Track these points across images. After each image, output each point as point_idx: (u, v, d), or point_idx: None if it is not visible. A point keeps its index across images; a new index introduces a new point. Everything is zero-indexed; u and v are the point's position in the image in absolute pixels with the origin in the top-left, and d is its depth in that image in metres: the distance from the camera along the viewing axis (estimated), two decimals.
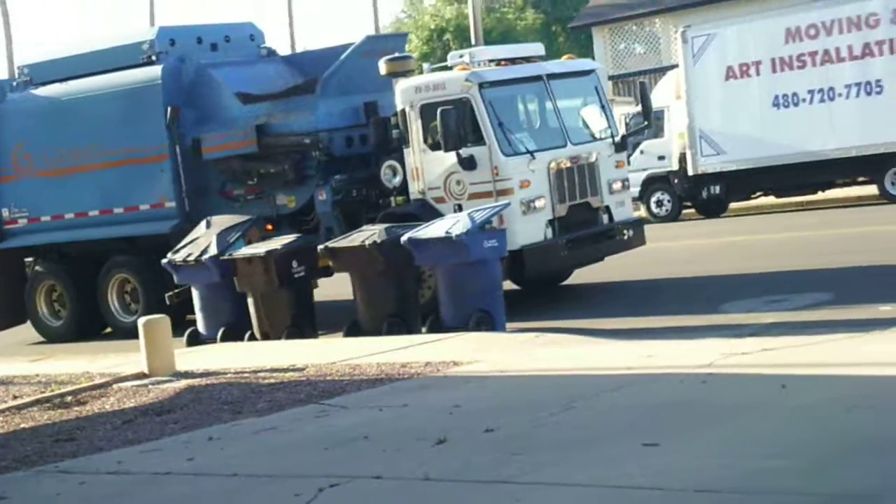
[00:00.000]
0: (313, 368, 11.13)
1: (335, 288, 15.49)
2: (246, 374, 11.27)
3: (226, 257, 14.40)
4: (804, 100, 24.18)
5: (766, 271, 15.71)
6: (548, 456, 6.90)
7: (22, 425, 10.13)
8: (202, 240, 14.90)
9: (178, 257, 14.84)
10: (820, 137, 23.91)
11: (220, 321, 14.53)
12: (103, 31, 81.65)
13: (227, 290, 14.46)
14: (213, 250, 14.48)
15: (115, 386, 11.45)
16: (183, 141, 16.82)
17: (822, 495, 5.52)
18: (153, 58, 17.17)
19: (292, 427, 8.67)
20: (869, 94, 23.45)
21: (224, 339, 14.32)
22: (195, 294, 14.91)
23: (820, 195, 25.82)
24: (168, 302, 15.70)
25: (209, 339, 14.53)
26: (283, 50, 17.64)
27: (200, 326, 14.79)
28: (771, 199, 26.40)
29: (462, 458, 7.07)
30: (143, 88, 16.96)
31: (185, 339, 14.47)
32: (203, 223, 15.36)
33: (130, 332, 14.87)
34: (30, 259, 18.69)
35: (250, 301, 14.31)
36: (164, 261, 15.07)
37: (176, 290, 15.70)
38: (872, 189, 24.66)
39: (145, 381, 11.54)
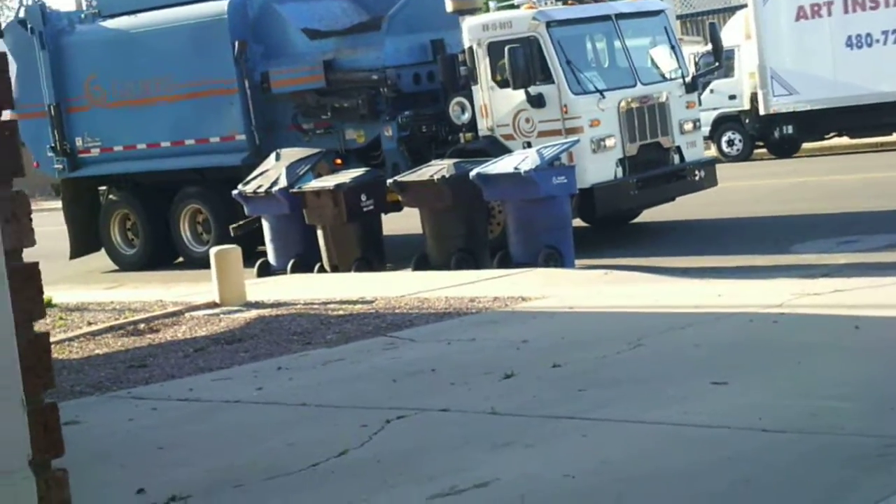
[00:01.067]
0: (382, 301, 11.21)
1: (404, 222, 15.56)
2: (315, 306, 11.38)
3: (295, 190, 14.50)
4: (878, 40, 23.72)
5: (838, 212, 15.52)
6: (614, 392, 6.92)
7: (96, 351, 10.33)
8: (272, 172, 15.02)
9: (249, 189, 14.98)
10: (893, 78, 23.47)
11: (290, 253, 14.68)
12: None
13: (296, 222, 14.59)
14: (282, 182, 14.59)
15: (187, 314, 11.62)
16: (251, 75, 16.91)
17: (882, 437, 5.49)
18: None
19: (360, 358, 8.75)
20: None
21: (294, 270, 14.47)
22: (265, 226, 15.07)
23: (894, 136, 25.39)
24: (232, 233, 15.88)
25: (279, 271, 14.69)
26: None
27: (270, 258, 14.96)
28: (844, 140, 26.02)
29: (528, 393, 7.11)
30: (210, 23, 17.04)
31: (255, 269, 14.64)
32: (273, 156, 15.48)
33: (202, 262, 15.10)
34: (103, 188, 18.94)
35: (320, 234, 14.42)
36: (235, 192, 15.23)
37: (240, 223, 15.87)
38: None
39: (216, 310, 11.69)
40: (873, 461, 5.18)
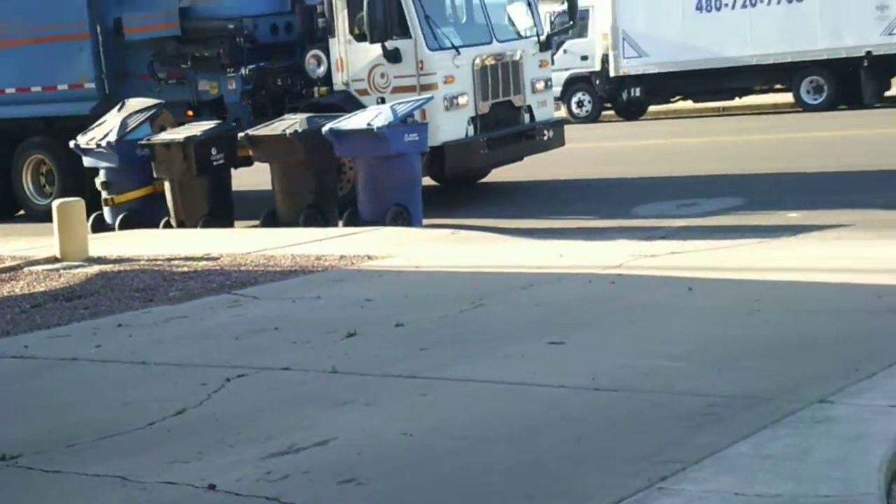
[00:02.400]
0: (228, 258, 11.13)
1: (254, 178, 15.42)
2: (159, 262, 11.23)
3: (143, 141, 14.23)
4: (726, 5, 24.32)
5: (678, 175, 15.93)
6: (455, 351, 7.02)
7: None
8: (109, 122, 14.67)
9: (83, 140, 14.62)
10: (739, 43, 24.11)
11: (122, 208, 14.37)
12: None
13: (131, 175, 14.27)
14: (113, 135, 14.27)
15: (25, 269, 11.36)
16: (104, 20, 16.46)
17: (709, 396, 5.69)
18: None
19: (203, 316, 8.70)
20: (790, 1, 23.62)
21: (124, 226, 14.15)
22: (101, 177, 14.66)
23: (737, 101, 26.09)
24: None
25: (110, 227, 14.38)
26: None
27: (105, 212, 14.61)
28: (689, 104, 26.65)
29: (371, 352, 7.17)
30: None
31: (89, 224, 14.29)
32: (118, 106, 15.13)
33: (44, 216, 14.70)
34: None
35: (167, 188, 14.18)
36: (72, 143, 14.84)
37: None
38: (788, 97, 24.99)
39: (57, 265, 11.45)
40: (699, 420, 5.38)
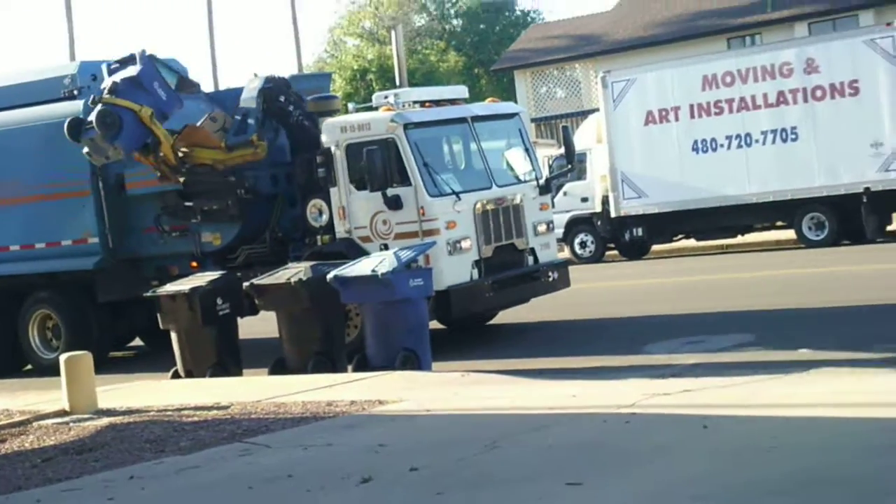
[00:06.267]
0: (238, 406, 11.06)
1: (261, 326, 15.43)
2: (169, 412, 11.17)
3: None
4: (722, 145, 24.68)
5: (686, 313, 15.95)
6: (471, 495, 6.93)
7: None
8: None
9: None
10: (738, 182, 24.41)
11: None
12: (22, 65, 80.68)
13: None
14: None
15: (34, 424, 11.28)
16: (106, 177, 16.71)
17: None
18: (75, 92, 17.07)
19: (215, 466, 8.61)
20: (785, 140, 24.00)
21: None
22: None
23: (740, 239, 26.27)
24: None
25: None
26: (207, 87, 17.58)
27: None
28: (692, 242, 26.81)
29: (386, 497, 7.08)
30: (64, 123, 16.80)
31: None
32: None
33: (51, 370, 14.69)
34: None
35: (174, 338, 14.20)
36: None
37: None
38: (790, 234, 25.15)
39: (66, 418, 11.39)
40: None
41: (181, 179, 16.07)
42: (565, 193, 26.89)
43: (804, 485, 6.38)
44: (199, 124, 16.11)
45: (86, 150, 15.90)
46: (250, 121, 15.94)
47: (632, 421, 8.58)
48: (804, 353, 12.11)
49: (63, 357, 12.15)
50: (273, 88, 16.11)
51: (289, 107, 16.09)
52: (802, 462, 6.91)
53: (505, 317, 16.96)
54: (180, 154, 15.96)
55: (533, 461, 7.67)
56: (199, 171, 16.04)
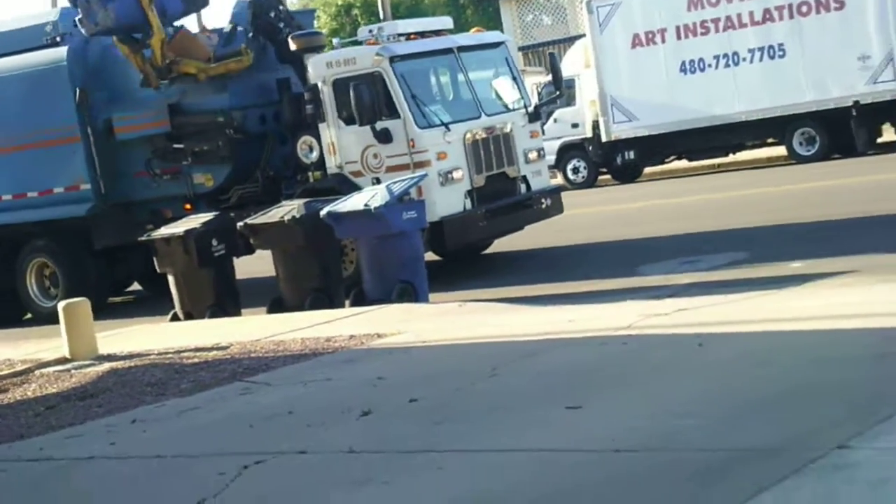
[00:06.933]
0: (237, 346, 11.12)
1: (258, 265, 15.47)
2: (169, 355, 11.22)
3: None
4: (710, 65, 24.58)
5: (680, 233, 15.99)
6: (470, 424, 7.00)
7: None
8: None
9: None
10: (727, 101, 24.35)
11: None
12: (1, 14, 79.93)
13: None
14: None
15: (36, 372, 11.34)
16: (94, 122, 16.66)
17: (724, 451, 5.67)
18: (57, 39, 16.95)
19: (216, 406, 8.67)
20: (772, 57, 23.89)
21: None
22: None
23: (731, 157, 26.26)
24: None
25: None
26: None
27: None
28: (684, 163, 26.81)
29: (386, 430, 7.14)
30: (49, 71, 16.76)
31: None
32: None
33: (51, 318, 14.74)
34: None
35: (171, 281, 14.23)
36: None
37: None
38: (782, 150, 25.14)
39: (67, 365, 11.44)
40: (720, 474, 5.35)
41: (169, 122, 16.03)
42: (555, 120, 26.82)
43: (798, 396, 6.45)
44: (194, 34, 16.11)
45: (79, 16, 15.79)
46: (240, 29, 15.90)
47: (629, 342, 8.64)
48: (798, 268, 12.17)
49: (61, 304, 12.20)
50: (263, 3, 16.06)
51: (279, 23, 16.05)
52: (796, 375, 6.97)
53: (500, 245, 17.00)
54: (167, 61, 15.91)
55: (532, 388, 7.73)
56: (184, 102, 15.93)
